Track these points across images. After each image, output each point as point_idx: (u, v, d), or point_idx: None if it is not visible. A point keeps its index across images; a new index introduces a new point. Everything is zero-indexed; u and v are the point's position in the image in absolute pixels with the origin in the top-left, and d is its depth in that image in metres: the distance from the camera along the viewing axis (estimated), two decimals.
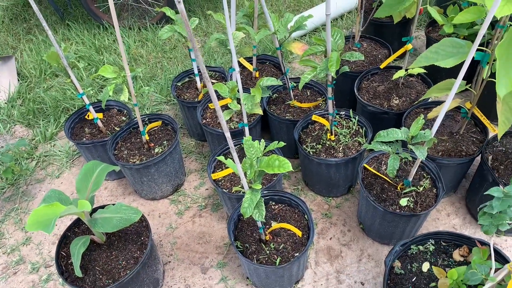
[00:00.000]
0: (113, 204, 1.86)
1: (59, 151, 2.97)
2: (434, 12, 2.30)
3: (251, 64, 2.93)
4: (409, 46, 2.34)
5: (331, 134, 2.32)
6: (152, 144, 2.47)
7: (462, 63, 1.71)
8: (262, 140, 1.65)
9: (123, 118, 2.70)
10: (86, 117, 2.62)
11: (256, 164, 1.58)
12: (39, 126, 3.14)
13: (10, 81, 3.44)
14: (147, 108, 3.18)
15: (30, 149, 2.97)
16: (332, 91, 2.09)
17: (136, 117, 2.59)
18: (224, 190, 2.17)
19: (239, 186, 2.20)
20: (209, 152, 2.85)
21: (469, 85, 2.04)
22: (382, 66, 2.53)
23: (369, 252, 2.24)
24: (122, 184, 2.71)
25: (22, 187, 2.75)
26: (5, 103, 3.36)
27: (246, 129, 2.08)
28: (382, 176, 2.14)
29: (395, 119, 2.45)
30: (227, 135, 1.39)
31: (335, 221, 2.38)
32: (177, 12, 2.48)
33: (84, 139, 2.57)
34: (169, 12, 2.49)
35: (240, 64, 2.98)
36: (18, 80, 3.51)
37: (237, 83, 1.90)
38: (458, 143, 2.23)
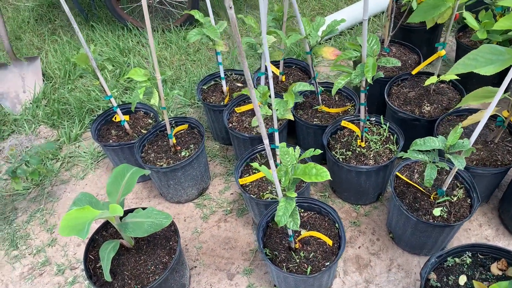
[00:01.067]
0: (143, 208, 1.84)
1: (84, 152, 2.97)
2: (471, 17, 2.24)
3: (277, 68, 2.91)
4: (442, 52, 2.29)
5: (362, 141, 2.28)
6: (179, 148, 2.45)
7: (503, 70, 1.67)
8: (297, 147, 1.61)
9: (150, 120, 2.69)
10: (113, 119, 2.61)
11: (291, 172, 1.54)
12: (64, 127, 3.15)
13: (36, 82, 3.46)
14: (171, 111, 3.17)
15: (55, 150, 2.98)
16: (365, 97, 2.05)
17: (162, 120, 2.58)
18: (252, 196, 2.14)
19: (268, 192, 2.17)
20: (233, 156, 2.82)
21: (508, 93, 1.98)
22: (414, 72, 2.48)
23: (399, 262, 2.18)
24: (147, 186, 2.70)
25: (47, 187, 2.76)
26: (30, 103, 3.38)
27: (276, 135, 2.05)
28: (415, 185, 2.09)
29: (426, 126, 2.40)
30: (266, 142, 1.36)
31: (364, 230, 2.33)
32: (205, 15, 2.46)
33: (111, 141, 2.56)
34: (197, 15, 2.48)
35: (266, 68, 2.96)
36: (43, 80, 3.54)
37: (268, 88, 1.87)
38: (493, 152, 2.17)
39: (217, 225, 2.43)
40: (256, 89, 1.99)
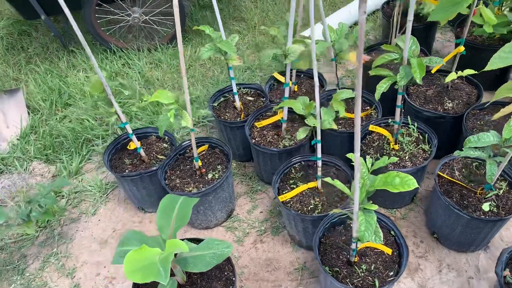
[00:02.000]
0: (196, 240, 1.70)
1: (90, 186, 2.76)
2: (489, 12, 2.28)
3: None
4: (461, 48, 2.31)
5: (395, 144, 2.24)
6: (204, 170, 2.32)
7: None
8: (368, 157, 1.54)
9: (164, 145, 2.54)
10: (128, 147, 2.43)
11: (368, 183, 1.47)
12: (62, 161, 2.91)
13: (21, 115, 3.20)
14: (176, 132, 3.02)
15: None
16: (402, 98, 2.01)
17: (181, 143, 2.44)
18: (296, 211, 2.04)
19: (318, 206, 2.08)
20: (253, 173, 2.71)
21: None
22: (433, 71, 2.49)
23: (447, 262, 2.15)
24: None
25: (56, 228, 2.53)
26: (18, 139, 3.12)
27: (319, 146, 1.97)
28: (459, 182, 2.07)
29: (451, 123, 2.40)
30: (357, 155, 1.28)
31: (405, 233, 2.29)
32: (215, 30, 2.36)
33: (127, 170, 2.39)
34: (207, 30, 2.37)
35: (275, 79, 2.89)
36: (29, 113, 3.28)
37: (314, 99, 1.80)
38: None
39: (254, 247, 2.31)
40: (297, 100, 1.90)
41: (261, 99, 2.76)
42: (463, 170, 2.15)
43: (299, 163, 2.30)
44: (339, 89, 2.39)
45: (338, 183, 1.48)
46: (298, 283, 2.13)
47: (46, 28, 4.25)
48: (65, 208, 2.54)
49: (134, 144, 2.35)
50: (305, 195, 2.14)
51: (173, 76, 3.57)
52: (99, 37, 3.65)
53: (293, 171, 2.28)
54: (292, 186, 2.19)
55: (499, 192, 2.01)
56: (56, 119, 3.25)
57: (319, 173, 2.09)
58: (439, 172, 2.12)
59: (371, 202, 1.47)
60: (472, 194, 2.03)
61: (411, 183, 1.36)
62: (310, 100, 2.14)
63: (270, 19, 4.10)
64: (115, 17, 3.58)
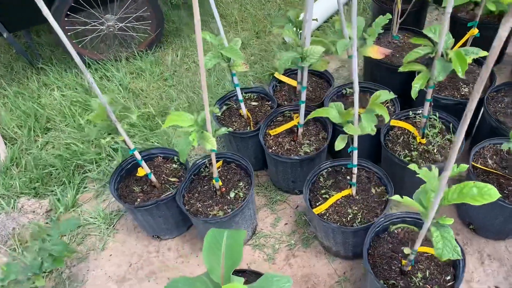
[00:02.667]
0: (251, 270, 1.54)
1: (92, 217, 2.52)
2: None
3: (291, 78, 2.69)
4: (475, 31, 2.23)
5: (422, 138, 2.15)
6: (224, 189, 2.15)
7: None
8: (433, 167, 1.42)
9: (174, 165, 2.33)
10: (138, 174, 2.21)
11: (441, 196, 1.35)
12: (54, 193, 2.65)
13: None
14: (174, 145, 2.81)
15: (54, 222, 2.49)
16: (432, 92, 1.92)
17: (195, 162, 2.25)
18: (336, 224, 1.92)
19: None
20: (268, 182, 2.56)
21: None
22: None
23: (488, 252, 2.11)
24: (186, 240, 2.35)
25: (64, 272, 2.29)
26: None
27: (355, 153, 1.84)
28: (495, 171, 2.01)
29: None
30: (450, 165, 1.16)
31: None
32: (216, 35, 2.16)
33: (139, 199, 2.18)
34: (208, 36, 2.17)
35: (277, 80, 2.73)
36: (5, 143, 2.96)
37: (353, 105, 1.66)
38: None
39: (287, 263, 2.17)
40: (332, 106, 1.75)
41: (267, 103, 2.60)
42: (494, 157, 2.09)
43: (326, 170, 2.17)
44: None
45: (409, 201, 1.35)
46: None
47: (6, 46, 3.86)
48: (74, 250, 2.30)
49: (144, 170, 2.14)
50: (340, 205, 2.02)
51: (158, 85, 3.33)
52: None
53: (321, 179, 2.15)
54: (324, 196, 2.06)
55: None
56: (38, 146, 2.96)
57: (354, 180, 1.97)
58: (473, 163, 2.05)
59: (445, 216, 1.37)
60: (510, 182, 1.98)
61: (493, 193, 1.25)
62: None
63: (250, 13, 3.91)
64: (88, 27, 3.28)
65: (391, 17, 2.02)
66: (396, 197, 1.37)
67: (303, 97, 2.13)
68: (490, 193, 1.26)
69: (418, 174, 1.40)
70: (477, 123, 2.50)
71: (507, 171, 2.03)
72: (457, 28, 2.90)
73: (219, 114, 2.56)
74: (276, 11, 3.91)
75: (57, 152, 2.84)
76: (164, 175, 2.29)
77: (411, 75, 2.55)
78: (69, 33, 3.27)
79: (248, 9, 3.95)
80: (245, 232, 1.56)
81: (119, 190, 2.26)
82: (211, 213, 2.05)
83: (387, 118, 1.68)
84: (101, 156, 2.79)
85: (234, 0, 4.10)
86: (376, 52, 2.05)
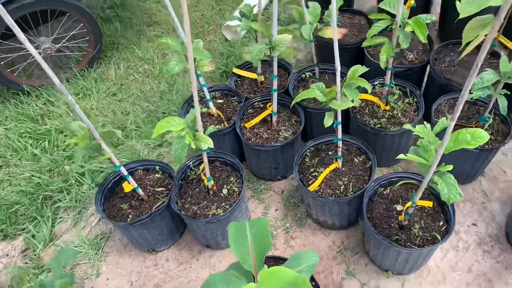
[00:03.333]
0: (269, 256, 1.60)
1: (77, 246, 2.41)
2: None
3: (249, 71, 2.76)
4: (412, 2, 2.45)
5: (387, 105, 2.34)
6: (216, 188, 2.17)
7: None
8: (425, 123, 1.58)
9: (157, 175, 2.31)
10: (125, 190, 2.15)
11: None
12: (27, 231, 2.49)
13: None
14: (144, 156, 2.77)
15: (38, 259, 2.36)
16: (392, 61, 2.09)
17: (181, 167, 2.24)
18: (332, 197, 2.03)
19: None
20: (249, 174, 2.61)
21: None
22: None
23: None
24: (182, 247, 2.34)
25: None
26: None
27: (339, 127, 1.97)
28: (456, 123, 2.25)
29: (419, 73, 2.58)
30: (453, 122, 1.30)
31: None
32: (182, 43, 2.15)
33: (130, 216, 2.13)
34: (170, 41, 2.17)
35: (237, 75, 2.78)
36: None
37: (336, 82, 1.77)
38: None
39: (288, 246, 2.26)
40: (317, 86, 1.85)
41: (232, 98, 2.65)
42: (451, 111, 2.33)
43: (309, 150, 2.28)
44: (318, 68, 2.39)
45: (412, 157, 1.49)
46: (346, 265, 2.14)
47: None
48: (74, 279, 2.19)
49: (131, 185, 2.10)
50: (330, 179, 2.14)
51: (108, 101, 3.23)
52: (6, 81, 3.12)
53: (306, 159, 2.25)
54: (314, 174, 2.17)
55: (491, 121, 2.22)
56: None
57: (339, 154, 2.10)
58: (436, 120, 2.27)
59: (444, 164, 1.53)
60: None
61: (484, 135, 1.42)
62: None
63: (182, 15, 3.89)
64: (21, 53, 3.08)
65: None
66: (402, 155, 1.51)
67: (275, 85, 2.21)
68: (482, 136, 1.43)
69: (414, 131, 1.54)
70: (423, 84, 2.76)
71: (463, 121, 2.28)
72: None
73: None
74: (210, 10, 3.95)
75: (18, 188, 2.67)
76: (149, 187, 2.26)
77: (359, 51, 2.75)
78: (2, 62, 3.05)
79: (181, 12, 3.93)
80: (265, 219, 1.62)
81: (106, 211, 2.19)
82: (209, 213, 2.07)
83: (369, 88, 1.82)
84: (69, 182, 2.66)
85: (163, 6, 4.06)
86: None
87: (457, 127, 2.24)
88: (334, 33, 1.62)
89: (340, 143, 2.04)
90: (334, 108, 1.79)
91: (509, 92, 1.92)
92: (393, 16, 1.93)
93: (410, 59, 2.60)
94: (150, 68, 3.47)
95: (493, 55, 2.53)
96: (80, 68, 3.39)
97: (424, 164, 1.52)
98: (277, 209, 2.43)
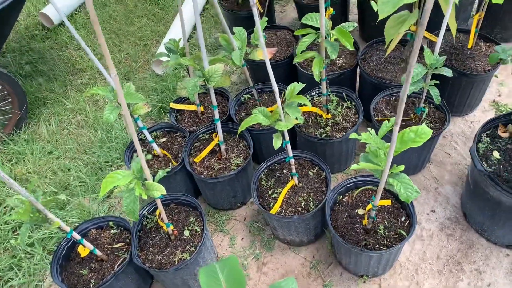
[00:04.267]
0: None
1: None
2: None
3: (187, 104, 2.71)
4: (331, 10, 2.53)
5: (327, 113, 2.38)
6: (176, 231, 2.09)
7: None
8: (369, 129, 1.61)
9: (112, 231, 2.19)
10: (81, 255, 2.01)
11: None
12: None
13: None
14: (94, 211, 2.63)
15: None
16: (325, 72, 2.14)
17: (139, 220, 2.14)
18: (297, 216, 2.02)
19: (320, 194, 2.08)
20: (207, 208, 2.55)
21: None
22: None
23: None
24: None
25: None
26: None
27: (289, 146, 1.97)
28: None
29: (350, 76, 2.66)
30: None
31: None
32: (112, 90, 2.07)
33: (92, 281, 2.00)
34: (100, 91, 2.09)
35: (175, 110, 2.72)
36: None
37: (277, 103, 1.77)
38: None
39: (262, 273, 2.21)
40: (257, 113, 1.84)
41: (175, 135, 2.58)
42: (388, 107, 2.41)
43: (263, 172, 2.26)
44: (256, 90, 2.39)
45: (364, 164, 1.51)
46: (322, 279, 2.14)
47: None
48: None
49: (87, 247, 1.97)
50: (290, 197, 2.13)
51: (45, 161, 3.04)
52: None
53: (263, 182, 2.23)
54: (273, 196, 2.15)
55: (427, 110, 2.31)
56: None
57: (294, 171, 2.10)
58: (376, 119, 2.34)
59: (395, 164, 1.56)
60: (410, 123, 2.31)
61: (427, 131, 1.47)
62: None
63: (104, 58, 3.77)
64: None
65: (267, 18, 2.19)
66: (354, 165, 1.52)
67: (217, 115, 2.18)
68: (425, 131, 1.47)
69: (360, 139, 1.56)
70: (357, 84, 2.85)
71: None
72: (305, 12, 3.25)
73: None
74: (134, 48, 3.86)
75: None
76: (106, 245, 2.13)
77: (291, 65, 2.79)
78: None
79: (101, 54, 3.81)
80: (235, 257, 1.57)
81: (65, 281, 2.03)
82: (175, 259, 1.98)
83: (309, 104, 1.83)
84: (18, 257, 2.47)
85: (85, 52, 3.92)
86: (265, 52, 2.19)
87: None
88: (265, 55, 1.63)
89: (292, 161, 2.04)
90: (280, 129, 1.79)
91: (438, 82, 2.01)
92: (317, 29, 1.97)
93: (340, 65, 2.68)
94: (83, 118, 3.32)
95: None
96: (7, 133, 3.18)
97: (377, 169, 1.55)
98: (243, 238, 2.38)
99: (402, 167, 1.55)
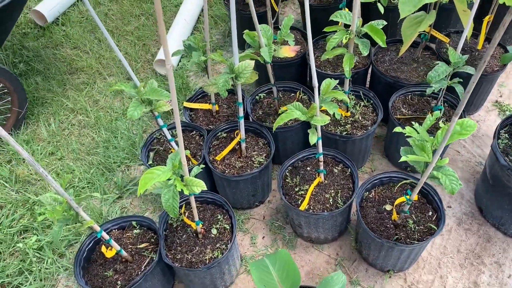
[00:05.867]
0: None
1: None
2: None
3: (201, 103, 2.68)
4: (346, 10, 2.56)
5: (347, 111, 2.41)
6: (203, 230, 2.06)
7: None
8: (413, 123, 1.63)
9: (136, 231, 2.13)
10: (107, 255, 1.93)
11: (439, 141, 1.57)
12: None
13: None
14: (105, 213, 2.55)
15: None
16: (349, 70, 2.16)
17: (162, 219, 2.10)
18: (327, 212, 2.03)
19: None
20: None
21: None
22: None
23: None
24: None
25: None
26: None
27: (320, 143, 1.97)
28: (413, 116, 2.38)
29: (363, 74, 2.70)
30: None
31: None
32: (135, 86, 2.02)
33: (119, 282, 1.94)
34: (124, 86, 2.04)
35: (189, 109, 2.69)
36: None
37: (315, 99, 1.78)
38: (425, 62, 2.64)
39: None
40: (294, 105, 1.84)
41: (190, 134, 2.55)
42: (405, 106, 2.46)
43: (287, 170, 2.26)
44: (276, 87, 2.39)
45: (413, 157, 1.53)
46: (348, 275, 2.15)
47: None
48: None
49: (114, 248, 1.91)
50: (317, 194, 2.13)
51: (47, 162, 2.93)
52: None
53: (288, 180, 2.22)
54: (300, 193, 2.14)
55: (443, 109, 2.38)
56: None
57: (322, 168, 2.10)
58: (396, 117, 2.38)
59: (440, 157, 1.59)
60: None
61: (472, 124, 1.51)
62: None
63: (105, 58, 3.69)
64: None
65: (293, 17, 2.20)
66: (404, 158, 1.54)
67: (241, 112, 2.16)
68: (470, 124, 1.52)
69: (405, 133, 1.59)
70: (367, 85, 2.90)
71: (418, 113, 2.42)
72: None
73: (151, 162, 2.41)
74: (133, 47, 3.79)
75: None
76: (130, 245, 2.07)
77: (302, 66, 2.82)
78: None
79: (103, 55, 3.73)
80: (285, 250, 1.56)
81: (89, 283, 1.96)
82: (205, 258, 1.95)
83: (347, 99, 1.85)
84: (29, 260, 2.36)
85: (82, 51, 3.82)
86: (289, 51, 2.21)
87: (415, 120, 2.37)
88: (310, 52, 1.63)
89: (321, 158, 2.05)
90: (315, 124, 1.80)
91: (462, 80, 2.07)
92: (346, 26, 1.99)
93: (353, 65, 2.71)
94: (85, 118, 3.22)
95: (426, 49, 2.73)
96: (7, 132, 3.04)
97: (420, 162, 1.58)
98: (264, 236, 2.37)
99: (446, 160, 1.58)
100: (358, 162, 2.53)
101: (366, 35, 2.03)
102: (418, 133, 1.60)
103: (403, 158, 1.54)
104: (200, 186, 1.69)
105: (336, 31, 1.99)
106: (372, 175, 2.14)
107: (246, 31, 2.12)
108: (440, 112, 2.34)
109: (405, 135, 1.59)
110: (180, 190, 1.65)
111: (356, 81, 2.68)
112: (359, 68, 2.67)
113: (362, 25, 1.99)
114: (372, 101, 2.48)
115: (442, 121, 2.34)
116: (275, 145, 2.46)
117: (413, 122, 1.71)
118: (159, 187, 1.76)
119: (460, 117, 2.36)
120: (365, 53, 1.93)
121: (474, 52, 2.67)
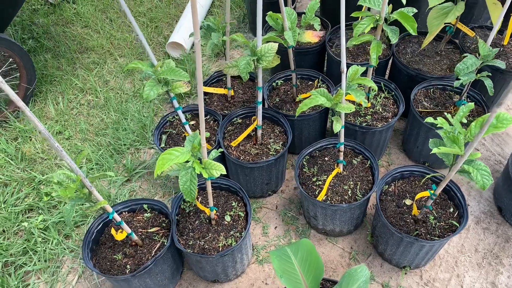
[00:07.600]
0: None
1: None
2: None
3: (216, 87, 2.61)
4: None
5: (368, 102, 2.33)
6: (217, 216, 2.00)
7: None
8: (445, 113, 1.56)
9: (146, 214, 2.06)
10: (117, 238, 1.87)
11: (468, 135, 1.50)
12: None
13: None
14: (114, 195, 2.48)
15: None
16: (377, 58, 2.09)
17: (174, 202, 2.03)
18: (346, 204, 1.97)
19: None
20: None
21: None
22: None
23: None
24: (185, 287, 2.12)
25: None
26: None
27: (342, 131, 1.91)
28: (434, 110, 2.31)
29: (384, 66, 2.63)
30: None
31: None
32: (152, 65, 1.95)
33: (128, 266, 1.88)
34: (144, 66, 1.96)
35: (204, 93, 2.61)
36: None
37: (341, 85, 1.70)
38: (449, 56, 2.57)
39: None
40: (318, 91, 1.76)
41: (206, 118, 2.48)
42: (426, 99, 2.39)
43: (304, 159, 2.19)
44: (296, 74, 2.32)
45: (445, 149, 1.46)
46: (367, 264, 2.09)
47: None
48: None
49: (125, 230, 1.85)
50: (335, 185, 2.07)
51: (57, 140, 2.84)
52: None
53: (305, 170, 2.16)
54: (317, 183, 2.08)
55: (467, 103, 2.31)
56: None
57: (341, 158, 2.04)
58: (418, 110, 2.31)
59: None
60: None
61: (508, 117, 1.44)
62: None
63: (117, 39, 3.61)
64: None
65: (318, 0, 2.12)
66: (435, 149, 1.47)
67: (260, 97, 2.09)
68: (506, 117, 1.45)
69: (437, 124, 1.52)
70: (386, 76, 2.83)
71: (439, 107, 2.35)
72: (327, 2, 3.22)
73: (163, 145, 2.35)
74: (145, 29, 3.70)
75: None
76: (140, 229, 2.01)
77: (321, 54, 2.74)
78: None
79: (115, 35, 3.64)
80: (308, 240, 1.50)
81: (97, 266, 1.90)
82: (219, 245, 1.89)
83: (375, 86, 1.78)
84: (33, 240, 2.30)
85: (93, 30, 3.73)
86: (312, 36, 2.13)
87: (437, 114, 2.31)
88: (342, 39, 1.55)
89: (342, 147, 1.98)
90: (340, 111, 1.73)
91: (491, 74, 1.99)
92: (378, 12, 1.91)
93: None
94: (94, 98, 3.15)
95: (448, 43, 2.65)
96: (12, 110, 2.97)
97: (449, 155, 1.51)
98: (276, 227, 2.31)
99: (479, 154, 1.51)
100: (376, 155, 2.46)
101: (395, 23, 1.95)
102: (451, 124, 1.53)
103: (434, 150, 1.47)
104: (219, 169, 1.62)
105: (364, 16, 1.92)
106: (392, 168, 2.07)
107: (269, 12, 2.05)
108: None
109: (427, 129, 1.52)
110: (198, 173, 1.58)
111: (376, 71, 2.61)
112: (380, 58, 2.59)
113: (391, 12, 1.91)
114: (393, 93, 2.40)
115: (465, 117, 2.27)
116: (291, 133, 2.40)
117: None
118: (176, 169, 1.70)
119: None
120: (394, 40, 1.86)
121: (499, 47, 2.59)
